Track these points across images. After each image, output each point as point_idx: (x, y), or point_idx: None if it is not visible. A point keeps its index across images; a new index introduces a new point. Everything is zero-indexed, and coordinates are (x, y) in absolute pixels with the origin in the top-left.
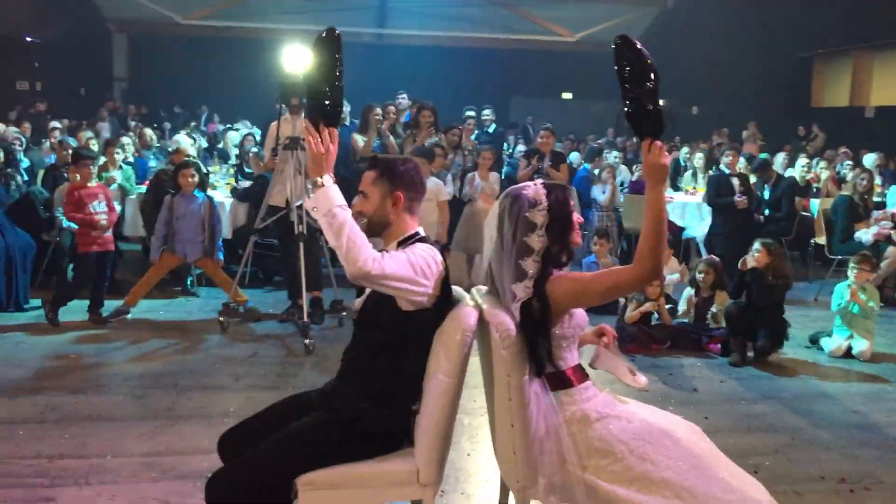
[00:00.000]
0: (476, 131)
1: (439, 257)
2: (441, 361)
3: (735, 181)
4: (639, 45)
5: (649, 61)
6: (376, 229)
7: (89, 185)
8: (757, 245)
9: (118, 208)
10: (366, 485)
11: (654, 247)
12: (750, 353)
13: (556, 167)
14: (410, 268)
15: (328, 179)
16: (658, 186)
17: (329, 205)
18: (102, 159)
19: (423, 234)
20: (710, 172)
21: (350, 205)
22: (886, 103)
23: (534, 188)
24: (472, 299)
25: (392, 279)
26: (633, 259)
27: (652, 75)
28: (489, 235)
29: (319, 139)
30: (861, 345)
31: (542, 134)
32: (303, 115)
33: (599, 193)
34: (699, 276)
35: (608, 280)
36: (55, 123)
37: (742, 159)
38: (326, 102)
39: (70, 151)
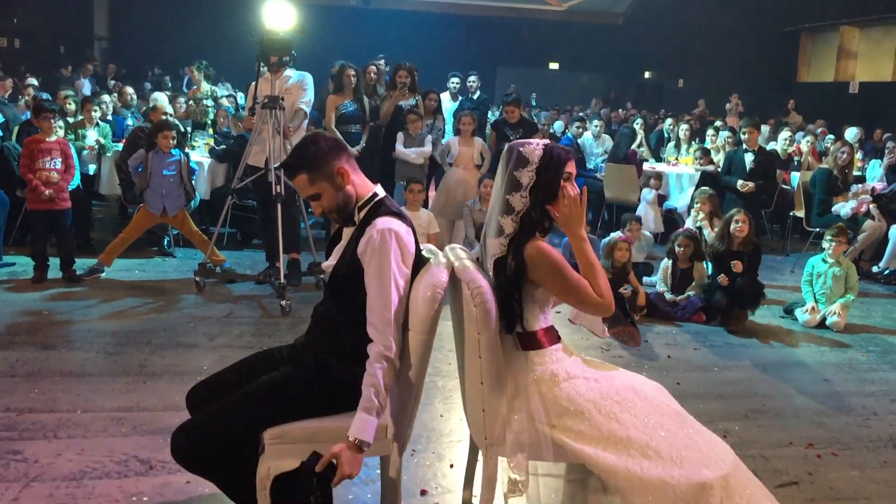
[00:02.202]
0: (460, 98)
1: (403, 231)
2: (412, 317)
3: (749, 157)
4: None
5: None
6: (347, 212)
7: (48, 140)
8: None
9: (93, 166)
10: (333, 439)
11: (599, 284)
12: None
13: (529, 137)
14: (395, 290)
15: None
16: (576, 234)
17: (371, 432)
18: (80, 117)
19: (381, 194)
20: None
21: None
22: (870, 79)
23: (531, 146)
24: (444, 257)
25: (399, 320)
26: (602, 289)
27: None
28: (495, 187)
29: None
30: (835, 315)
31: (507, 109)
32: (283, 73)
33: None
34: (678, 249)
35: (576, 288)
36: (31, 80)
37: (725, 132)
38: None
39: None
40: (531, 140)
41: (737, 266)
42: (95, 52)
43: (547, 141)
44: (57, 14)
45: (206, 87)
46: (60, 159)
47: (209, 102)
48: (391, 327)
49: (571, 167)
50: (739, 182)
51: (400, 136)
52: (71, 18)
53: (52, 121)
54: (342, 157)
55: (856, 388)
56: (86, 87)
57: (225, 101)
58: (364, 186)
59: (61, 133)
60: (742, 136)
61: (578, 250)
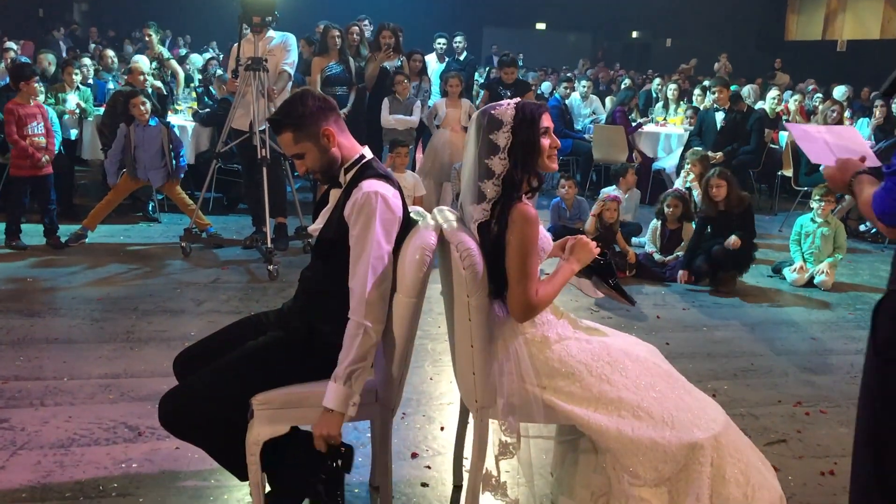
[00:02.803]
0: (447, 59)
1: (390, 194)
2: (400, 281)
3: (720, 116)
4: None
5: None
6: (331, 173)
7: (28, 104)
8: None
9: (74, 131)
10: (321, 404)
11: (546, 290)
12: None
13: (521, 97)
14: (378, 256)
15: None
16: (572, 267)
17: (351, 397)
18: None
19: (368, 156)
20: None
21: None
22: (858, 37)
23: (502, 108)
24: (432, 219)
25: (382, 287)
26: (541, 294)
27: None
28: (467, 153)
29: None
30: (822, 274)
31: (506, 70)
32: (267, 34)
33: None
34: (667, 210)
35: (525, 271)
36: (10, 44)
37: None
38: None
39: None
40: (499, 102)
41: (735, 244)
42: (75, 15)
43: (518, 100)
44: None
45: (158, 49)
46: (43, 123)
47: (154, 65)
48: (371, 295)
49: (547, 121)
50: (709, 153)
51: (386, 102)
52: None
53: (36, 84)
54: (330, 117)
55: (843, 346)
56: (64, 51)
57: (174, 64)
58: (351, 148)
59: (41, 97)
60: (712, 96)
61: (564, 268)
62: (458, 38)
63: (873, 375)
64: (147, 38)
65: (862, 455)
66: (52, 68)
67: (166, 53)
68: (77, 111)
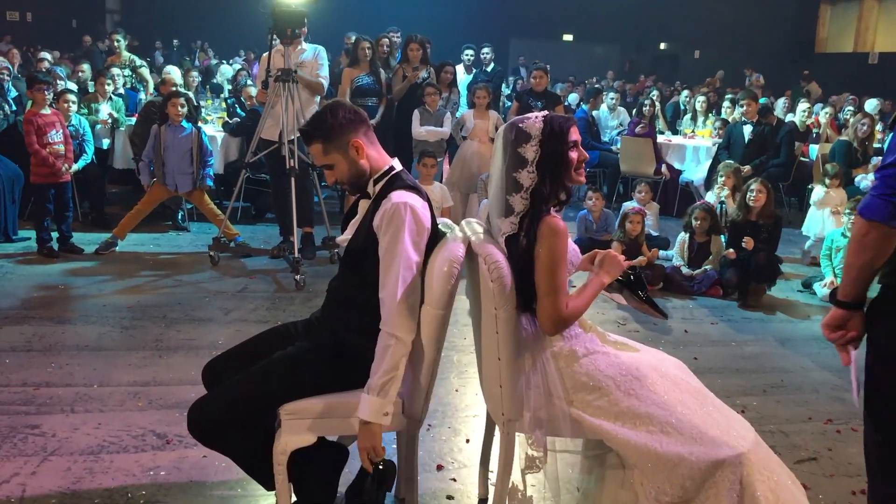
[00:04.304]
0: (475, 70)
1: (419, 205)
2: (428, 292)
3: (747, 129)
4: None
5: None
6: (359, 184)
7: (43, 112)
8: (754, 185)
9: (106, 141)
10: (350, 415)
11: (576, 303)
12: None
13: (551, 109)
14: (407, 267)
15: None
16: (601, 280)
17: (384, 407)
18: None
19: (397, 167)
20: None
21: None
22: (890, 49)
23: (530, 121)
24: (460, 231)
25: (412, 297)
26: (571, 307)
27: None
28: (494, 166)
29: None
30: None
31: (535, 74)
32: (299, 46)
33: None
34: (695, 222)
35: (553, 284)
36: (44, 54)
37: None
38: None
39: (58, 82)
40: (526, 115)
41: (748, 243)
42: (107, 26)
43: (545, 112)
44: None
45: (126, 55)
46: (62, 131)
47: (126, 72)
48: (401, 305)
49: (575, 134)
50: (742, 167)
51: (416, 114)
52: None
53: (45, 92)
54: (359, 130)
55: None
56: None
57: (145, 72)
58: (380, 160)
59: (74, 108)
60: (740, 109)
61: (594, 282)
62: (485, 50)
63: (872, 374)
64: (115, 45)
65: (874, 465)
66: (87, 75)
67: (138, 61)
68: (109, 121)
